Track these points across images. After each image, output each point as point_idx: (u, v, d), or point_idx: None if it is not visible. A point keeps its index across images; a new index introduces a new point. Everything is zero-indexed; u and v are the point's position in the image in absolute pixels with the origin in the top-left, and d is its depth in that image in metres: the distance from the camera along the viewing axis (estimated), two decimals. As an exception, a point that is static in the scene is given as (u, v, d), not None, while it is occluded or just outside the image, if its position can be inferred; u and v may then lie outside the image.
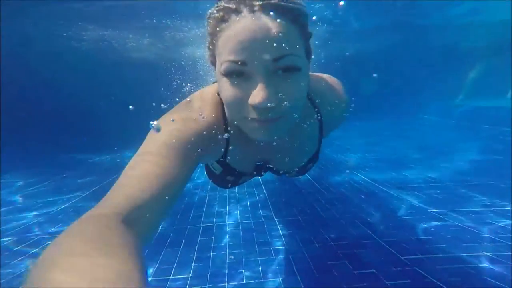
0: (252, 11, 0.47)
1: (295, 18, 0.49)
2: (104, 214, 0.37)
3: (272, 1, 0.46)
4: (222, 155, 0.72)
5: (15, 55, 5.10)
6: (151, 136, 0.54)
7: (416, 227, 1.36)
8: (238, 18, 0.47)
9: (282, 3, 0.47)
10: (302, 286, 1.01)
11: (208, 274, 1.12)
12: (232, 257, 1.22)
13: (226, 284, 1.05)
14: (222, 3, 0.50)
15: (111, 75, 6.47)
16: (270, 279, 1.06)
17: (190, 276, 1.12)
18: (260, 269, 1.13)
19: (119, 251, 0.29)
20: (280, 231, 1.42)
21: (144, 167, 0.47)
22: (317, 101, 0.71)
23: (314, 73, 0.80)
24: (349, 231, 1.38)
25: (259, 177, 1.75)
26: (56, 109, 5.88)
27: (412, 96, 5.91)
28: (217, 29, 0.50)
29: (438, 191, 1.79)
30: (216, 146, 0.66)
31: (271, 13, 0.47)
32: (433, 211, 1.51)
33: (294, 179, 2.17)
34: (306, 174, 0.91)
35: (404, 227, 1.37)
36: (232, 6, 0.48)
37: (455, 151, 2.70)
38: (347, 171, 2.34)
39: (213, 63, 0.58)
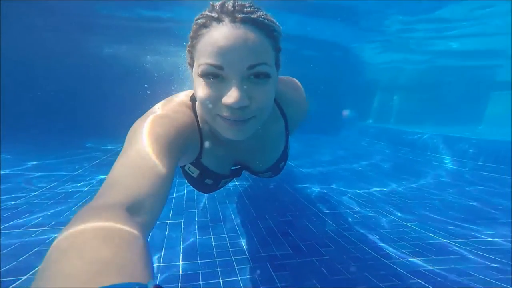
0: (233, 21, 0.52)
1: (270, 33, 0.55)
2: (107, 204, 0.39)
3: (252, 15, 0.53)
4: (197, 156, 0.75)
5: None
6: (134, 135, 0.56)
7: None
8: (218, 26, 0.52)
9: (260, 18, 0.53)
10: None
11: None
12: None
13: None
14: (206, 12, 0.55)
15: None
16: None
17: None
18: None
19: (125, 238, 0.31)
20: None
21: (135, 162, 0.49)
22: (281, 102, 0.78)
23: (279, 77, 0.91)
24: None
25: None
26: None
27: (338, 117, 7.06)
28: (198, 33, 0.55)
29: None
30: (192, 144, 0.69)
31: (250, 25, 0.52)
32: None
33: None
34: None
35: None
36: (215, 15, 0.53)
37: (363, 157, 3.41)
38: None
39: (191, 65, 0.62)
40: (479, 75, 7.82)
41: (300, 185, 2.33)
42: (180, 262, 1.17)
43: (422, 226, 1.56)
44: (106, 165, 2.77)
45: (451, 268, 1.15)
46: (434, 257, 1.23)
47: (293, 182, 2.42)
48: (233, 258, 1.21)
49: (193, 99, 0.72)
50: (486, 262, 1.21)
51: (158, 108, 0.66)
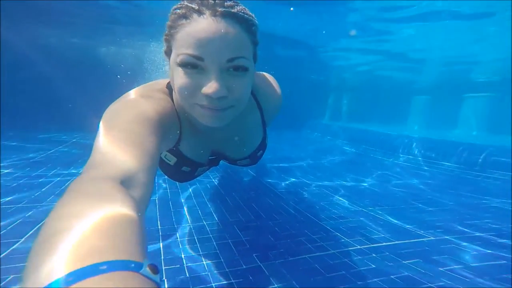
0: (214, 15, 0.52)
1: (248, 27, 0.57)
2: (101, 176, 0.38)
3: (232, 10, 0.54)
4: (175, 143, 0.75)
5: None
6: (113, 116, 0.54)
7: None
8: (199, 18, 0.53)
9: (240, 13, 0.54)
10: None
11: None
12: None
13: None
14: (185, 2, 0.55)
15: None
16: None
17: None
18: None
19: (122, 217, 0.30)
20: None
21: (121, 139, 0.47)
22: (258, 95, 0.81)
23: (258, 72, 0.91)
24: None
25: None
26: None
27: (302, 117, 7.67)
28: (178, 23, 0.55)
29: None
30: (171, 130, 0.69)
31: (230, 19, 0.53)
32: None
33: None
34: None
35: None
36: (195, 6, 0.53)
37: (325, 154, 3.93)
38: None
39: (167, 54, 0.62)
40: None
41: (264, 174, 2.67)
42: (159, 227, 1.40)
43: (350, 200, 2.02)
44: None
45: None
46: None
47: (259, 170, 2.75)
48: (205, 223, 1.47)
49: (169, 87, 0.72)
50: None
51: (135, 92, 0.65)
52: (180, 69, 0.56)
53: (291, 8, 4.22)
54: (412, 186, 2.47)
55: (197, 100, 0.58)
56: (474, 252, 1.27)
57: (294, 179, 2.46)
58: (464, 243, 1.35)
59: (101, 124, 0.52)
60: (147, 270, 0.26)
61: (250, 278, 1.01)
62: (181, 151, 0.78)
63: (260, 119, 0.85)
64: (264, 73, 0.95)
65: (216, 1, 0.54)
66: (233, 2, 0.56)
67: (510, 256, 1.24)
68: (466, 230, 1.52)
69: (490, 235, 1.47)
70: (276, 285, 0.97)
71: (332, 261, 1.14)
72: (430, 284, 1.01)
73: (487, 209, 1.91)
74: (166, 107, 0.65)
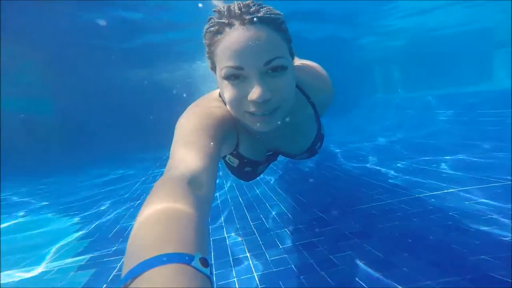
0: (243, 24, 0.56)
1: (277, 26, 0.58)
2: (172, 178, 0.46)
3: (259, 14, 0.56)
4: (235, 147, 0.81)
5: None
6: (181, 127, 0.63)
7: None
8: (231, 30, 0.56)
9: (266, 15, 0.57)
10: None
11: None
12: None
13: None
14: (215, 19, 0.59)
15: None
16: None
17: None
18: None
19: (184, 215, 0.37)
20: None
21: (189, 146, 0.55)
22: (304, 88, 0.81)
23: (301, 61, 0.92)
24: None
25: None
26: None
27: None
28: (214, 40, 0.59)
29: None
30: (230, 135, 0.74)
31: (259, 24, 0.56)
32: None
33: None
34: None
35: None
36: (225, 20, 0.57)
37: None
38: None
39: (213, 69, 0.67)
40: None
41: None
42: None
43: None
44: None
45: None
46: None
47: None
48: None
49: (221, 96, 0.76)
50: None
51: (195, 104, 0.74)
52: (225, 82, 0.60)
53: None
54: None
55: (246, 107, 0.61)
56: None
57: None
58: None
59: (174, 135, 0.62)
60: (198, 263, 0.29)
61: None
62: (241, 154, 0.84)
63: (313, 112, 0.85)
64: (308, 63, 0.92)
65: (242, 9, 0.57)
66: (258, 5, 0.58)
67: None
68: None
69: None
70: None
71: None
72: None
73: None
74: (223, 114, 0.70)
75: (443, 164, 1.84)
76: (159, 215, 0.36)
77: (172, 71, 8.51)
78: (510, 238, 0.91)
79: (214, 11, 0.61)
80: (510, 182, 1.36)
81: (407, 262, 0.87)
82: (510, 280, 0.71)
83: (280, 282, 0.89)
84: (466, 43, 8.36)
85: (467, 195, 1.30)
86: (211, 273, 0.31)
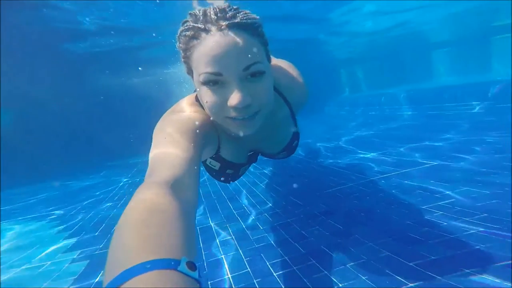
0: (220, 29, 0.54)
1: (255, 31, 0.58)
2: (155, 183, 0.45)
3: (236, 20, 0.55)
4: (216, 150, 0.81)
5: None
6: (160, 132, 0.63)
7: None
8: (208, 36, 0.55)
9: (243, 21, 0.56)
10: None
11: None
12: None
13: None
14: (190, 23, 0.57)
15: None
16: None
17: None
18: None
19: (169, 217, 0.36)
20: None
21: (169, 150, 0.55)
22: (280, 89, 0.82)
23: (275, 60, 0.90)
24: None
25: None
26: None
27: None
28: (190, 45, 0.58)
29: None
30: (211, 139, 0.74)
31: (236, 29, 0.55)
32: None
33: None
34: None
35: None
36: (201, 25, 0.55)
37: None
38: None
39: (190, 74, 0.65)
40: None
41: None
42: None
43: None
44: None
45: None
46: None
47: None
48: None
49: (198, 100, 0.76)
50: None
51: (173, 109, 0.74)
52: (204, 88, 0.59)
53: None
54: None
55: (226, 113, 0.61)
56: None
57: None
58: None
59: (152, 139, 0.62)
60: (185, 267, 0.28)
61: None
62: (222, 157, 0.85)
63: (289, 111, 0.87)
64: (281, 63, 0.93)
65: (219, 15, 0.56)
66: (234, 10, 0.57)
67: None
68: None
69: None
70: (325, 253, 1.03)
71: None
72: None
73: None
74: (203, 118, 0.70)
75: (394, 152, 2.19)
76: (142, 220, 0.35)
77: (143, 76, 8.15)
78: (427, 206, 1.21)
79: (190, 13, 0.60)
80: (435, 163, 1.72)
81: (359, 231, 1.12)
82: (423, 239, 0.96)
83: (262, 255, 1.08)
84: (405, 44, 9.26)
85: (406, 176, 1.62)
86: (200, 275, 0.30)
